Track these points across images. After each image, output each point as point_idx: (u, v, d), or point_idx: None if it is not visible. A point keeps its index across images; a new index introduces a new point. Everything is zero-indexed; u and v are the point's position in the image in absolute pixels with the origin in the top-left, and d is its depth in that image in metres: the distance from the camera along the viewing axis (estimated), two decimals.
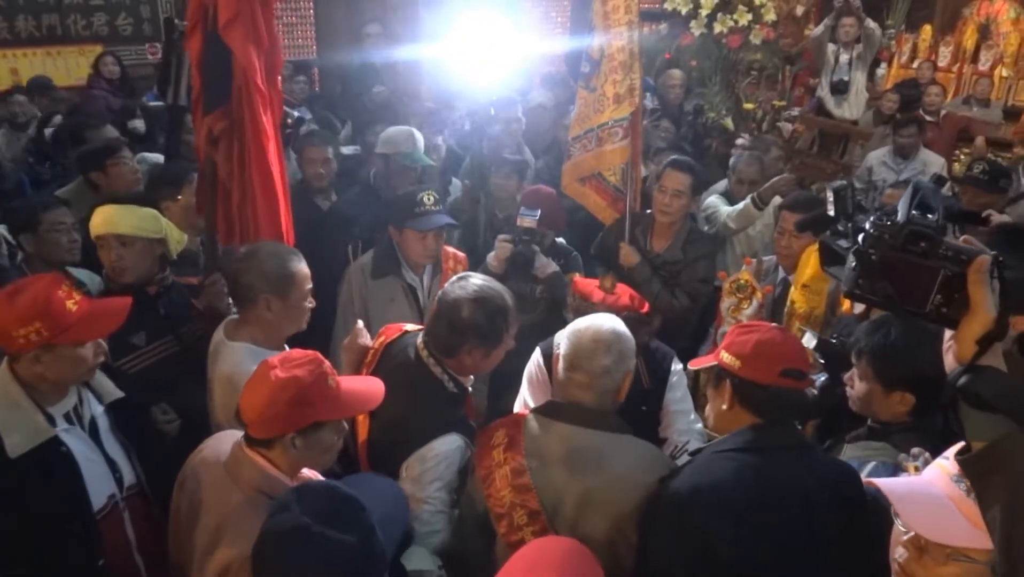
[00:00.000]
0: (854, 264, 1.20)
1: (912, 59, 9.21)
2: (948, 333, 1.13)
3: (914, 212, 1.17)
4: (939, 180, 2.35)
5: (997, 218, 3.17)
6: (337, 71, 6.21)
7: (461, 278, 2.26)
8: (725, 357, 1.92)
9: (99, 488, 2.08)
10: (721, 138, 5.94)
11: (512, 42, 3.61)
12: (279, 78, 2.79)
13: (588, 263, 3.81)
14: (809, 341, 2.58)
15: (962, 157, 7.19)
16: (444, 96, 5.00)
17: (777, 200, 3.85)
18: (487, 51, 3.59)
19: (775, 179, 3.91)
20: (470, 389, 2.32)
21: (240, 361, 2.30)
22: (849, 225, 1.40)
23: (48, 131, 5.38)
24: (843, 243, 2.45)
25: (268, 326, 2.41)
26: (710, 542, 1.73)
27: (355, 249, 3.47)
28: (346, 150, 5.02)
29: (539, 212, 3.38)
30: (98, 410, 2.17)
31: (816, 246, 3.10)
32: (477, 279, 2.25)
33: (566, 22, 9.11)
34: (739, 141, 5.62)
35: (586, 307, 2.73)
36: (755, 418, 1.88)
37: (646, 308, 2.80)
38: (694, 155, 5.47)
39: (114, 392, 2.21)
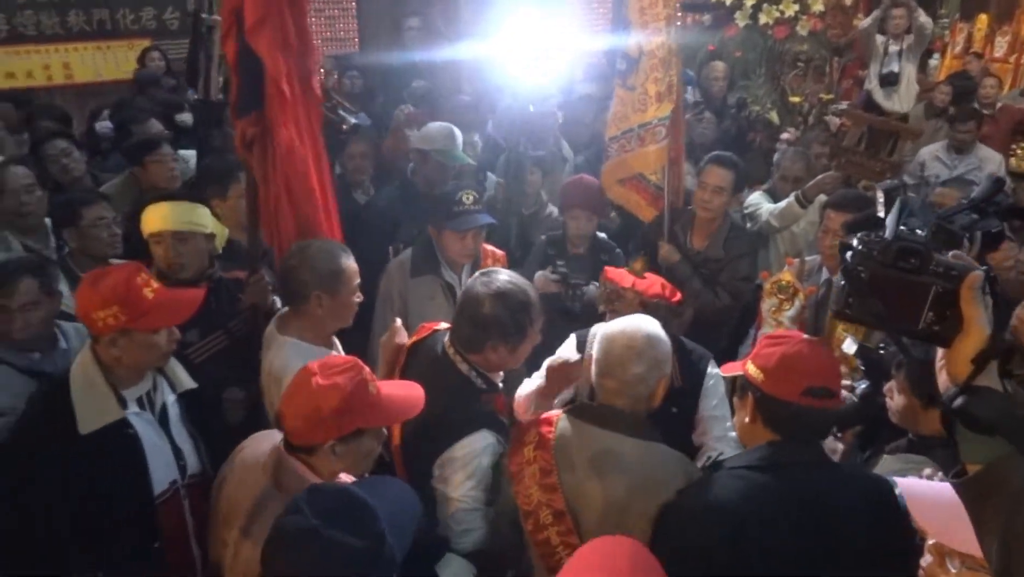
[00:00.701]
0: (843, 283, 1.17)
1: (967, 49, 8.93)
2: (940, 352, 1.10)
3: (902, 228, 1.15)
4: (997, 181, 2.26)
5: None
6: (378, 66, 6.26)
7: (485, 273, 2.25)
8: (750, 368, 1.84)
9: (162, 474, 2.15)
10: (766, 132, 5.83)
11: (554, 36, 3.56)
12: (316, 80, 2.80)
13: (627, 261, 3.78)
14: (850, 347, 2.52)
15: (1019, 151, 6.95)
16: (484, 91, 4.98)
17: (822, 198, 3.77)
18: (528, 46, 3.56)
19: (820, 176, 3.83)
20: (500, 385, 2.31)
21: (287, 358, 2.36)
22: (902, 228, 1.35)
23: (98, 125, 5.52)
24: None
25: (318, 322, 2.46)
26: (708, 561, 1.69)
27: (396, 251, 3.48)
28: None
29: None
30: (170, 398, 2.25)
31: None
32: (503, 274, 2.23)
33: (608, 13, 9.01)
34: (784, 136, 5.51)
35: (616, 294, 2.70)
36: (774, 435, 1.80)
37: (678, 298, 2.74)
38: (737, 150, 5.40)
39: (188, 382, 2.28)
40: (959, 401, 1.03)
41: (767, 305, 3.30)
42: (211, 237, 2.89)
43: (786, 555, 1.68)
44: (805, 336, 1.89)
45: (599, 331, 2.15)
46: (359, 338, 2.95)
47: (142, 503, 2.09)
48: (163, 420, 2.20)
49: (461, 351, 2.21)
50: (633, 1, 3.49)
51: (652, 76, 3.45)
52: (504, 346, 2.17)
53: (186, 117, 5.83)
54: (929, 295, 1.10)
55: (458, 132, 3.84)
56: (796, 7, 5.87)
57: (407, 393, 1.98)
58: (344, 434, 1.76)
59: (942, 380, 1.08)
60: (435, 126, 3.87)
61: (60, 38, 7.30)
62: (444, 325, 2.43)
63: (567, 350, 2.66)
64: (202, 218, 2.83)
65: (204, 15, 2.79)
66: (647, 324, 2.08)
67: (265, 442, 1.93)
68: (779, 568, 1.67)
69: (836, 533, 1.70)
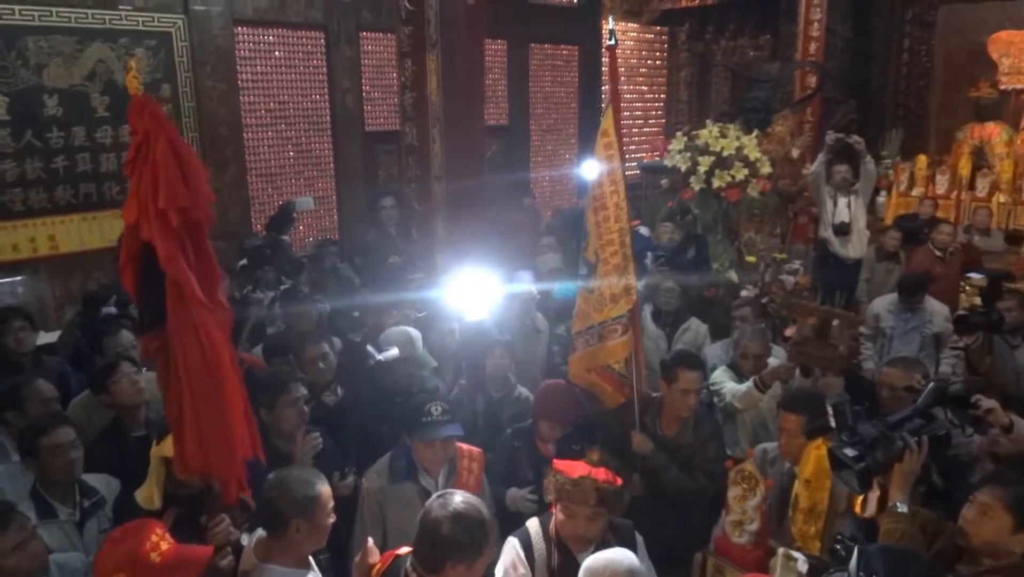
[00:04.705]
0: None
1: (911, 187, 9.47)
2: None
3: (861, 574, 1.35)
4: (938, 390, 2.55)
5: (986, 404, 3.22)
6: (359, 244, 6.59)
7: (441, 496, 2.41)
8: None
9: None
10: (726, 288, 6.13)
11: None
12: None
13: None
14: (802, 566, 2.64)
15: (967, 288, 7.32)
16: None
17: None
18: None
19: (776, 366, 4.06)
20: None
21: None
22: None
23: (105, 309, 5.53)
24: (849, 452, 2.57)
25: (296, 547, 2.58)
26: None
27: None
28: None
29: (570, 431, 3.53)
30: None
31: (818, 443, 3.20)
32: (457, 496, 2.39)
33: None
34: (743, 293, 5.81)
35: (566, 484, 2.78)
36: None
37: (619, 481, 2.87)
38: (701, 307, 5.70)
39: None
40: None
41: (732, 493, 3.42)
42: None
43: None
44: None
45: (583, 567, 2.30)
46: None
47: None
48: None
49: (422, 573, 2.34)
50: (591, 215, 3.78)
51: (607, 281, 3.71)
52: (463, 564, 2.31)
53: None
54: None
55: (417, 335, 3.99)
56: (746, 171, 6.26)
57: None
58: None
59: None
60: (394, 332, 4.01)
61: (47, 211, 7.52)
62: (404, 550, 2.54)
63: (513, 556, 2.79)
64: None
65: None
66: (629, 558, 2.26)
67: None
68: None
69: None
